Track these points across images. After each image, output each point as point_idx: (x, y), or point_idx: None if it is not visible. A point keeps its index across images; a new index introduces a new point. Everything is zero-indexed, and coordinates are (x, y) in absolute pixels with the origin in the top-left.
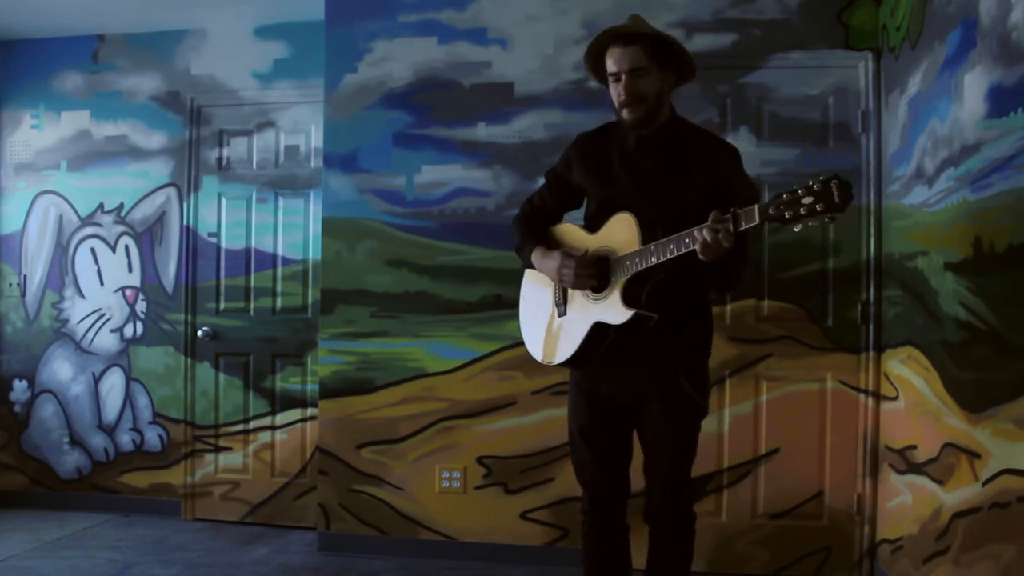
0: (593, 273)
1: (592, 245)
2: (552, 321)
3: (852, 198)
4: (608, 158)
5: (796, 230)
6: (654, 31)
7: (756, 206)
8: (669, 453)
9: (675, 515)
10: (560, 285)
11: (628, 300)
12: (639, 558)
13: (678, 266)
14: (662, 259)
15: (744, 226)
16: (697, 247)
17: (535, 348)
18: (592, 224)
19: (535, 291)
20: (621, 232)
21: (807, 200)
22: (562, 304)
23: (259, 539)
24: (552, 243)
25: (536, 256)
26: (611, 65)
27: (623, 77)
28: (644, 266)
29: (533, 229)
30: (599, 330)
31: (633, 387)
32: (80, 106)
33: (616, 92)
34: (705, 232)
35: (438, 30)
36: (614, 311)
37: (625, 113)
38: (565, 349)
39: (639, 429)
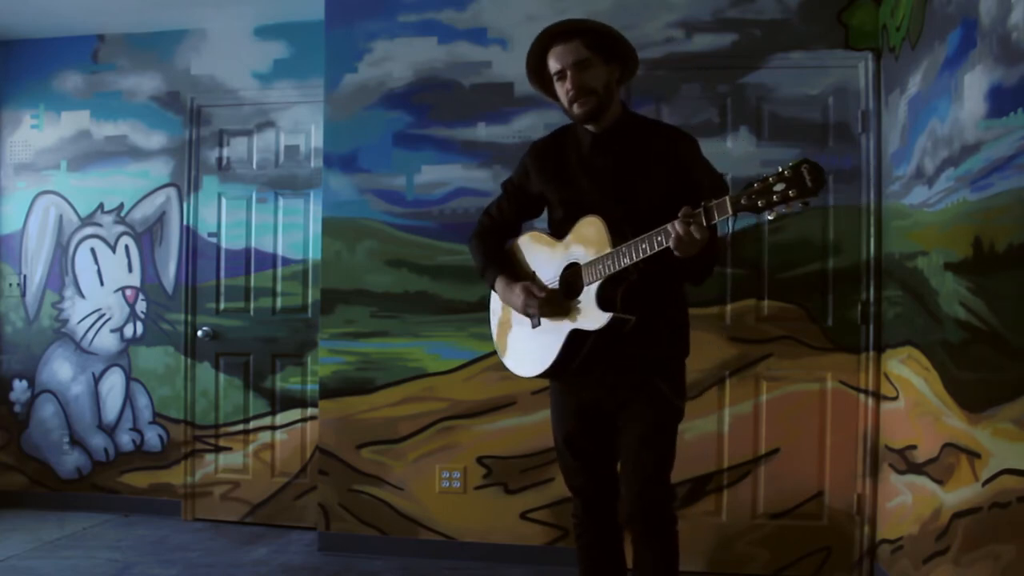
0: (557, 309)
1: (558, 253)
2: (526, 333)
3: (825, 181)
4: (566, 162)
5: (769, 218)
6: (592, 25)
7: (728, 197)
8: (647, 457)
9: (654, 520)
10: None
11: (603, 304)
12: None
13: (651, 265)
14: (635, 259)
15: (717, 219)
16: (671, 243)
17: (511, 361)
18: (558, 230)
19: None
20: (590, 236)
21: (779, 187)
22: (536, 315)
23: (259, 539)
24: (516, 261)
25: (500, 286)
26: (554, 64)
27: (568, 72)
28: (617, 268)
29: (493, 249)
30: (576, 338)
31: (613, 392)
32: (80, 106)
33: (564, 90)
34: (678, 227)
35: (438, 30)
36: (590, 317)
37: (575, 108)
38: (542, 360)
39: (618, 433)
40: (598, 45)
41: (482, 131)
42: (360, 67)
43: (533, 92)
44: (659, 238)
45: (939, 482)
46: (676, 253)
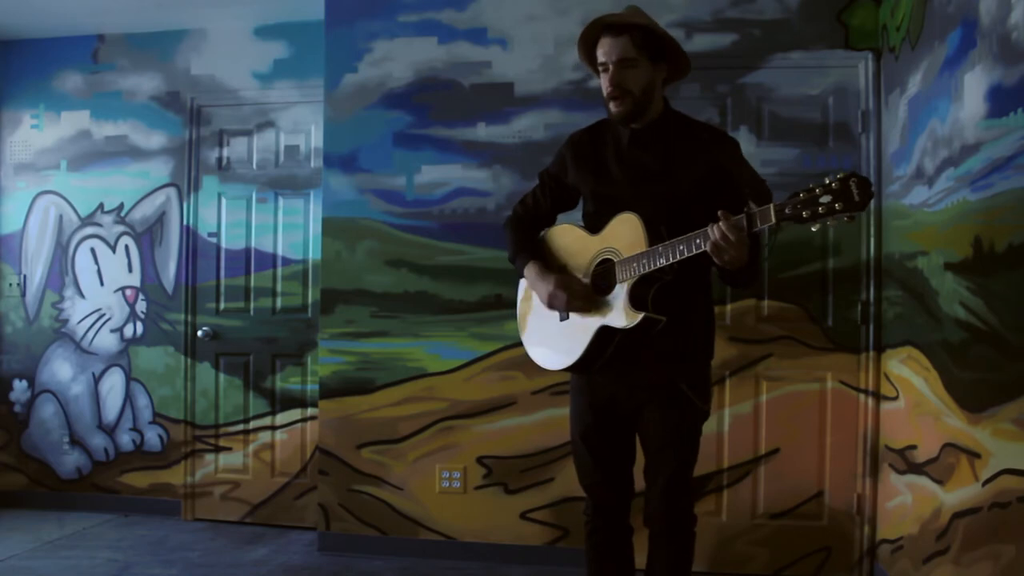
0: (587, 305)
1: (593, 248)
2: (554, 325)
3: (872, 195)
4: (603, 156)
5: (814, 230)
6: (646, 22)
7: (772, 205)
8: (670, 457)
9: (675, 519)
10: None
11: (636, 303)
12: (641, 557)
13: (685, 267)
14: (671, 261)
15: (759, 226)
16: (708, 248)
17: (537, 353)
18: (592, 224)
19: (535, 295)
20: (625, 233)
21: (825, 199)
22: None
23: (259, 539)
24: (547, 252)
25: (530, 272)
26: (600, 55)
27: (611, 68)
28: (652, 268)
29: (526, 236)
30: (605, 334)
31: (633, 391)
32: (80, 106)
33: (604, 83)
34: (717, 232)
35: (438, 30)
36: (621, 315)
37: (612, 106)
38: (569, 354)
39: (640, 433)
40: (648, 44)
41: (482, 131)
42: (360, 67)
43: (533, 92)
44: (698, 241)
45: (939, 482)
46: (715, 260)
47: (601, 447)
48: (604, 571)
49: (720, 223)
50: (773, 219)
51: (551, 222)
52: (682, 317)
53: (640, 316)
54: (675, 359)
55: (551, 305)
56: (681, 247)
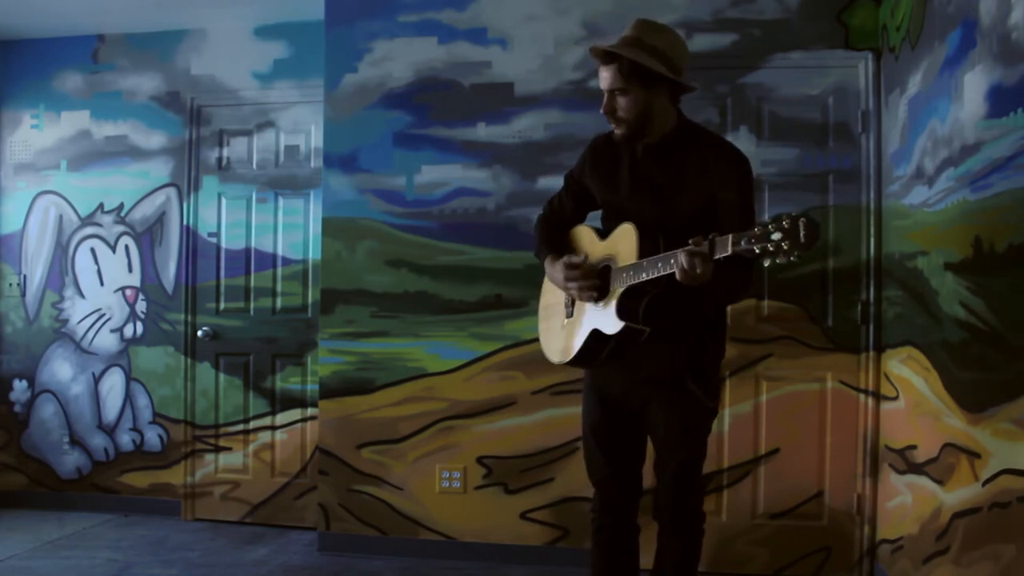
0: (595, 285)
1: (598, 253)
2: (561, 322)
3: (817, 239)
4: (617, 165)
5: (766, 265)
6: (632, 55)
7: (730, 236)
8: (677, 454)
9: (681, 515)
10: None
11: (621, 312)
12: (647, 557)
13: (676, 280)
14: (652, 276)
15: (718, 255)
16: (678, 275)
17: (545, 346)
18: (604, 229)
19: (552, 291)
20: (623, 242)
21: (776, 236)
22: (570, 306)
23: (259, 539)
24: (566, 248)
25: (548, 264)
26: (599, 80)
27: (605, 95)
28: (636, 281)
29: (550, 234)
30: (596, 337)
31: (640, 388)
32: (80, 106)
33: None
34: (682, 256)
35: (438, 30)
36: (608, 321)
37: (613, 127)
38: (567, 350)
39: (649, 430)
40: (637, 71)
41: (482, 131)
42: (360, 67)
43: (533, 92)
44: (672, 260)
45: (939, 482)
46: (680, 280)
47: (610, 442)
48: (609, 569)
49: (686, 251)
50: (729, 250)
51: (579, 221)
52: (688, 318)
53: (621, 325)
54: (681, 357)
55: (567, 290)
56: (659, 264)
